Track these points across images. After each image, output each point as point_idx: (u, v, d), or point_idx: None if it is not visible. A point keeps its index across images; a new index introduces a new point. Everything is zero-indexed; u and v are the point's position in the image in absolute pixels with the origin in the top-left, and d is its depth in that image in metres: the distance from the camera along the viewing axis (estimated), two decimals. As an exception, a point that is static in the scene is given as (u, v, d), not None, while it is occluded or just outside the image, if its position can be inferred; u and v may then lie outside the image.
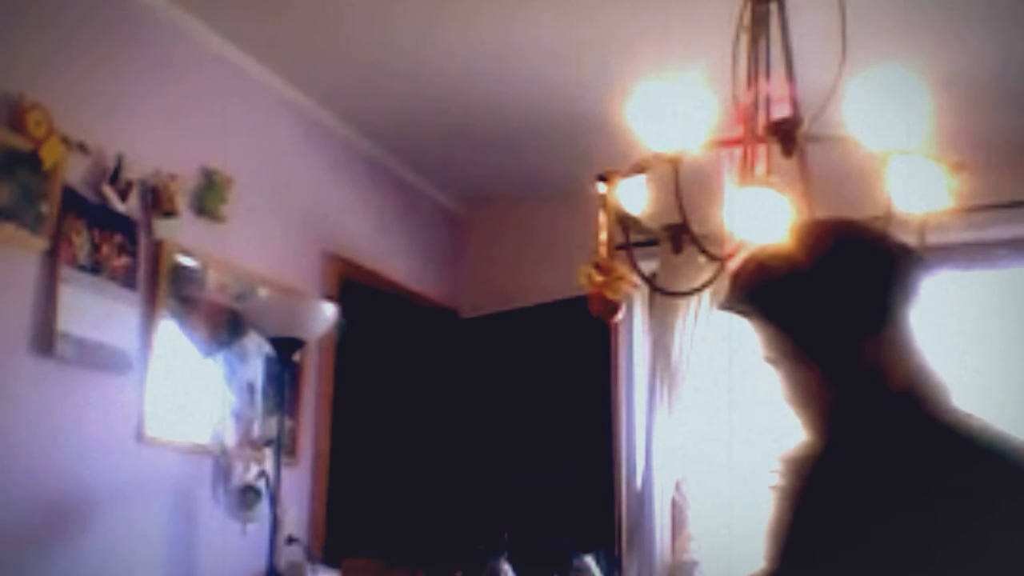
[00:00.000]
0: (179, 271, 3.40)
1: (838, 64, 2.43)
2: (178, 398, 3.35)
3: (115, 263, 3.14)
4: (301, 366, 3.94)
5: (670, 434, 4.59)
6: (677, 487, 4.64)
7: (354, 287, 4.36)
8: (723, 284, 1.78)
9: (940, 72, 3.38)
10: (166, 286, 3.33)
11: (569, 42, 3.66)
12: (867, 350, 1.37)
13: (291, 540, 3.62)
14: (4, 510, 2.77)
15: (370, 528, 4.34)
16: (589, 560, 4.23)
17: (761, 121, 2.47)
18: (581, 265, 2.54)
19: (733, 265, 2.10)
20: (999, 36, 3.53)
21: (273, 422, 3.64)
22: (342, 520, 4.18)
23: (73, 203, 3.00)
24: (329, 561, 3.89)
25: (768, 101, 2.52)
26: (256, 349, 3.70)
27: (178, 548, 3.35)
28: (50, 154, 2.92)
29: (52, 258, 2.93)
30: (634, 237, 2.63)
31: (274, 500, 3.47)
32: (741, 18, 2.56)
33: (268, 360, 3.74)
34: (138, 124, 3.31)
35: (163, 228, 3.35)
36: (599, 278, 2.49)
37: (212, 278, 3.55)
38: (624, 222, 2.58)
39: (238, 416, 3.62)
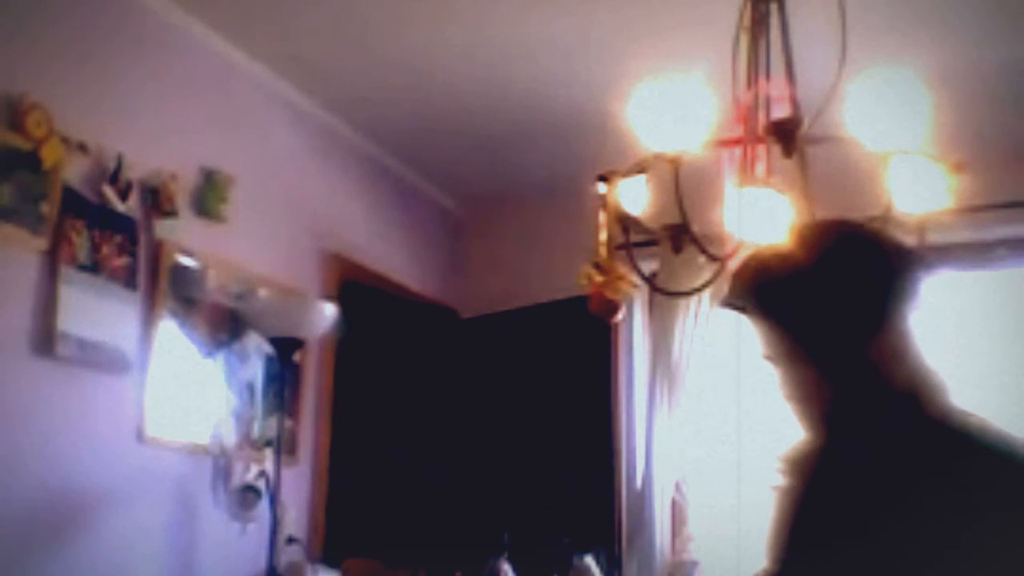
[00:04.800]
0: (179, 271, 3.40)
1: (838, 64, 2.43)
2: (178, 398, 3.35)
3: (115, 263, 3.14)
4: (301, 366, 3.94)
5: (670, 434, 4.59)
6: (677, 487, 4.64)
7: (354, 287, 4.36)
8: (723, 284, 1.78)
9: (940, 72, 3.38)
10: (166, 286, 3.33)
11: (569, 42, 3.66)
12: (866, 349, 1.37)
13: (291, 540, 3.63)
14: (4, 510, 2.77)
15: (370, 528, 4.34)
16: (589, 560, 4.23)
17: (761, 121, 2.48)
18: (581, 265, 2.54)
19: (734, 265, 2.10)
20: (998, 36, 3.53)
21: (273, 422, 3.64)
22: (342, 520, 4.18)
23: (73, 203, 3.00)
24: (329, 561, 3.89)
25: (768, 101, 2.52)
26: (256, 349, 3.69)
27: (178, 548, 3.35)
28: (50, 154, 2.92)
29: (52, 258, 2.93)
30: (634, 237, 2.63)
31: (274, 500, 3.47)
32: (741, 18, 2.56)
33: (268, 360, 3.74)
34: (138, 124, 3.31)
35: (163, 228, 3.35)
36: (599, 278, 2.50)
37: (212, 278, 3.55)
38: (624, 222, 2.58)
39: (238, 416, 3.62)
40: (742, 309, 1.47)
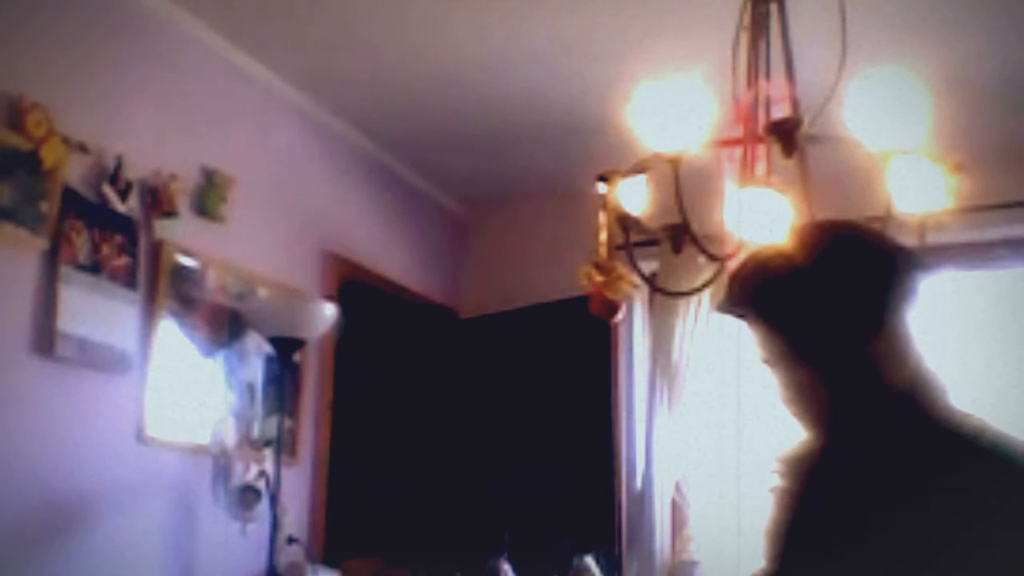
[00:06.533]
0: (179, 271, 3.40)
1: (838, 64, 2.43)
2: (178, 398, 3.35)
3: (115, 263, 3.14)
4: (301, 366, 3.94)
5: (670, 434, 4.59)
6: (677, 487, 4.64)
7: (354, 287, 4.36)
8: (723, 284, 1.78)
9: (940, 73, 3.38)
10: (166, 286, 3.33)
11: (569, 43, 3.66)
12: (865, 351, 1.37)
13: (291, 540, 3.63)
14: (4, 510, 2.77)
15: (370, 528, 4.34)
16: (589, 560, 4.24)
17: (761, 121, 2.48)
18: (581, 265, 2.54)
19: (733, 266, 2.11)
20: (999, 37, 3.53)
21: (273, 422, 3.64)
22: (342, 520, 4.18)
23: (73, 203, 3.00)
24: (329, 561, 3.89)
25: (768, 101, 2.52)
26: (256, 349, 3.69)
27: (178, 548, 3.35)
28: (50, 154, 2.92)
29: (52, 258, 2.93)
30: (634, 237, 2.63)
31: (274, 500, 3.47)
32: (741, 18, 2.56)
33: (268, 360, 3.74)
34: (138, 124, 3.31)
35: (163, 228, 3.35)
36: (599, 278, 2.50)
37: (212, 278, 3.55)
38: (624, 222, 2.58)
39: (238, 416, 3.62)
40: (739, 315, 1.47)
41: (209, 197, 3.56)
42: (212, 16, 3.54)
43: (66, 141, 2.98)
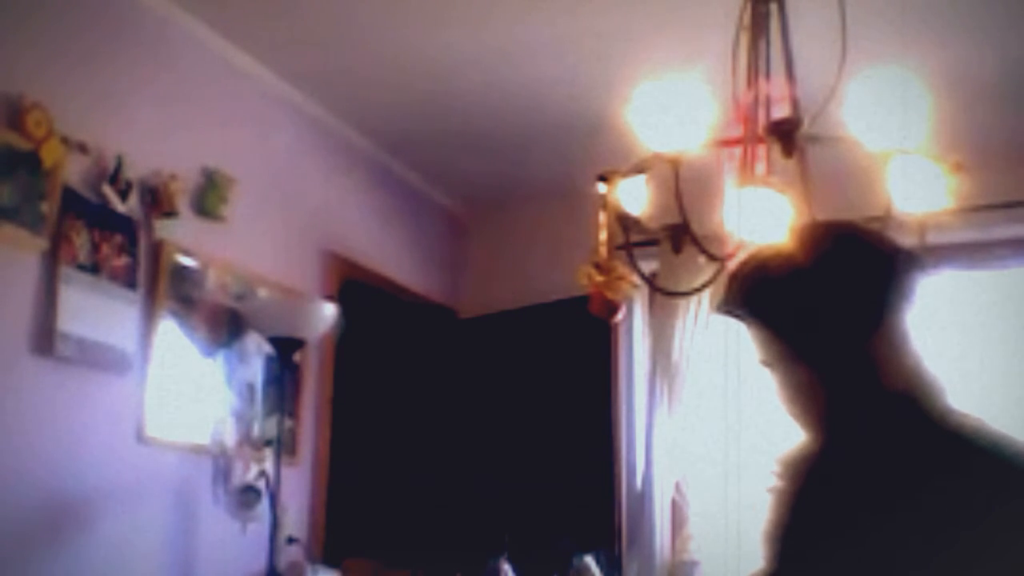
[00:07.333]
0: (179, 271, 3.40)
1: (838, 64, 2.43)
2: (178, 398, 3.35)
3: (115, 263, 3.14)
4: (301, 366, 3.94)
5: (670, 434, 4.59)
6: (677, 487, 4.65)
7: (354, 287, 4.36)
8: (723, 285, 1.78)
9: (940, 73, 3.38)
10: (166, 286, 3.33)
11: (569, 42, 3.66)
12: (863, 351, 1.37)
13: (291, 540, 3.63)
14: (4, 509, 2.77)
15: (370, 528, 4.34)
16: (589, 560, 4.23)
17: (761, 121, 2.48)
18: (581, 265, 2.54)
19: (733, 266, 2.11)
20: (999, 36, 3.53)
21: (273, 422, 3.64)
22: (342, 520, 4.18)
23: (73, 203, 3.00)
24: (329, 561, 3.89)
25: (768, 101, 2.52)
26: (256, 349, 3.69)
27: (178, 548, 3.35)
28: (50, 154, 2.92)
29: (52, 258, 2.93)
30: (634, 237, 2.64)
31: (274, 500, 3.47)
32: (741, 18, 2.56)
33: (268, 360, 3.74)
34: (138, 124, 3.31)
35: (163, 228, 3.35)
36: (599, 278, 2.50)
37: (212, 278, 3.55)
38: (624, 222, 2.58)
39: (238, 416, 3.62)
40: (738, 316, 1.47)
41: (209, 197, 3.56)
42: (212, 16, 3.54)
43: (66, 141, 2.98)
